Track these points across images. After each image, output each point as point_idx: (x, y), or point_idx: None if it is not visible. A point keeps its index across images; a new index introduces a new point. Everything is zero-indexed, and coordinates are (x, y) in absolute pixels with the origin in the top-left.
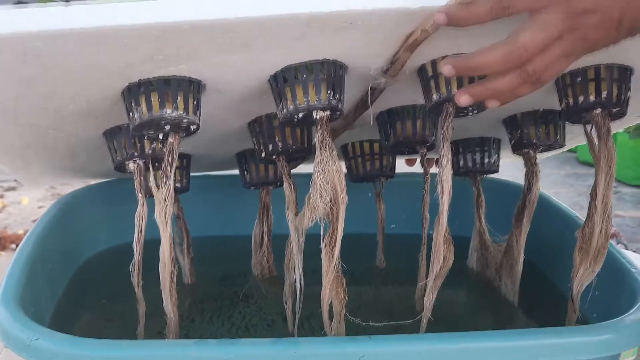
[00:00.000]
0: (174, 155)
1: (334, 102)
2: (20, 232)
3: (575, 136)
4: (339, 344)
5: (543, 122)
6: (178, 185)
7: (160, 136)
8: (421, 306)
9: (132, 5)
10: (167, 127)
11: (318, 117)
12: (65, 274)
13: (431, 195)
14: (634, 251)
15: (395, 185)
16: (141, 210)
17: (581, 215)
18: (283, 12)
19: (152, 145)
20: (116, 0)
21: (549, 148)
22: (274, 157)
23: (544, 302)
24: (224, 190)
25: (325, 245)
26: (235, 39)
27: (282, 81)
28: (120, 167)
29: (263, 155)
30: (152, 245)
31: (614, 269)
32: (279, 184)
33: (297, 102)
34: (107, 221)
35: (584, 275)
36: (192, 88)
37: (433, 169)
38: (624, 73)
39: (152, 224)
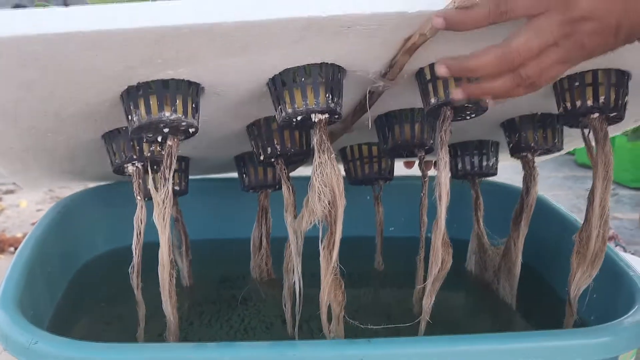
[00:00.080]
0: (173, 158)
1: (332, 105)
2: (19, 235)
3: (573, 139)
4: (337, 347)
5: (541, 126)
6: (177, 188)
7: (159, 139)
8: (419, 309)
9: (132, 8)
10: (166, 130)
11: (316, 120)
12: (64, 277)
13: (429, 199)
14: (632, 253)
15: (393, 188)
16: (140, 213)
17: (579, 218)
18: (282, 16)
19: (151, 148)
20: (115, 2)
21: (547, 152)
22: (272, 160)
23: (542, 304)
24: (223, 193)
25: (324, 248)
26: (235, 42)
27: (280, 84)
28: (119, 170)
29: (262, 158)
30: (151, 248)
31: (612, 271)
32: (277, 187)
33: (296, 106)
34: (106, 224)
35: (581, 279)
36: (190, 91)
37: (431, 172)
38: (621, 78)
39: (151, 227)
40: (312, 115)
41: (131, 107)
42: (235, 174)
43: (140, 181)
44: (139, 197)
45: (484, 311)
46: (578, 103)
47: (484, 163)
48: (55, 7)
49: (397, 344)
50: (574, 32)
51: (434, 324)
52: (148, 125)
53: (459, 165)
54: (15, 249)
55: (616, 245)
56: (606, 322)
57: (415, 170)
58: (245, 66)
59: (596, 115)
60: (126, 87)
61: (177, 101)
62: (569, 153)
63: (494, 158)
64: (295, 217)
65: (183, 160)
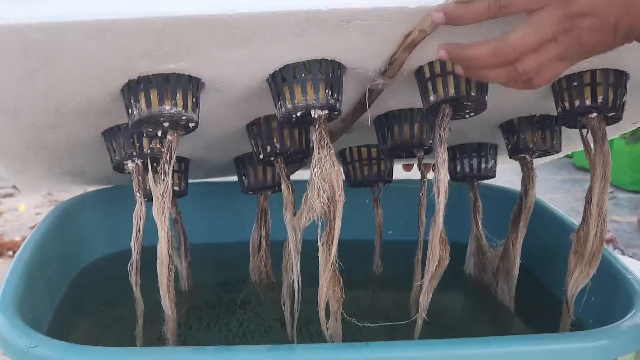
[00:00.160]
0: (172, 153)
1: (332, 101)
2: (18, 238)
3: (571, 142)
4: (335, 350)
5: (540, 128)
6: (176, 188)
7: (159, 133)
8: (416, 309)
9: None
10: (166, 124)
11: (316, 116)
12: (63, 280)
13: (428, 201)
14: (630, 256)
15: (392, 191)
16: (139, 210)
17: (577, 221)
18: (282, 9)
19: (151, 145)
20: None
21: (545, 153)
22: (272, 158)
23: (540, 307)
24: (222, 197)
25: (323, 244)
26: (235, 34)
27: (280, 80)
28: (119, 167)
29: (261, 156)
30: (151, 250)
31: (610, 274)
32: (277, 188)
33: (296, 101)
34: (105, 228)
35: (578, 279)
36: (191, 85)
37: (430, 175)
38: (619, 78)
39: (150, 230)
40: (312, 111)
41: (132, 101)
42: (234, 178)
43: (140, 178)
44: (138, 194)
45: (482, 314)
46: (576, 103)
47: (483, 165)
48: None
49: (395, 347)
50: (572, 28)
51: (432, 326)
52: (148, 119)
53: (458, 168)
54: (14, 252)
55: (614, 249)
56: (604, 325)
57: (414, 174)
58: (245, 61)
59: (594, 115)
60: (127, 80)
61: (178, 95)
62: (567, 156)
63: (493, 160)
64: (294, 215)
65: (183, 162)
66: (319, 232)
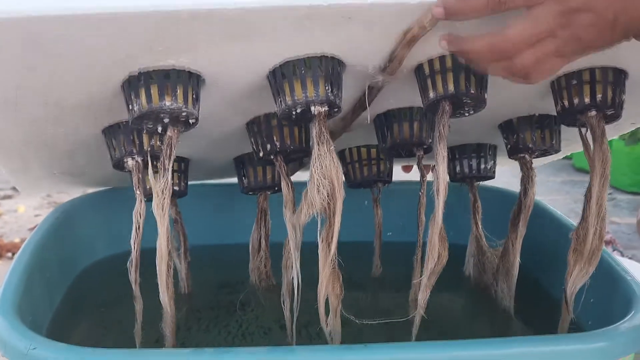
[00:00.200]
0: (173, 149)
1: (332, 97)
2: (17, 240)
3: (570, 143)
4: (335, 352)
5: (539, 127)
6: (176, 188)
7: (159, 129)
8: (415, 307)
9: None
10: (166, 120)
11: (316, 112)
12: (63, 282)
13: (428, 200)
14: (629, 258)
15: (391, 192)
16: (139, 207)
17: (577, 222)
18: (283, 3)
19: (151, 143)
20: None
21: (544, 153)
22: (271, 157)
23: (539, 309)
24: (221, 199)
25: (322, 240)
26: (235, 28)
27: (280, 76)
28: (119, 165)
29: (261, 154)
30: (150, 254)
31: (608, 276)
32: (276, 188)
33: (295, 97)
34: (105, 230)
35: (578, 277)
36: (191, 81)
37: (429, 177)
38: (618, 76)
39: (149, 233)
40: (312, 107)
41: (132, 96)
42: (233, 180)
43: (140, 175)
44: (138, 191)
45: (481, 315)
46: (576, 101)
47: (482, 166)
48: None
49: (393, 349)
50: (570, 24)
51: (431, 328)
52: (149, 114)
53: (457, 168)
54: (13, 254)
55: (614, 250)
56: (603, 327)
57: (413, 175)
58: (246, 57)
59: (593, 113)
60: (127, 76)
61: (178, 90)
62: (566, 157)
63: (492, 161)
64: (294, 212)
65: (183, 161)
66: (319, 228)
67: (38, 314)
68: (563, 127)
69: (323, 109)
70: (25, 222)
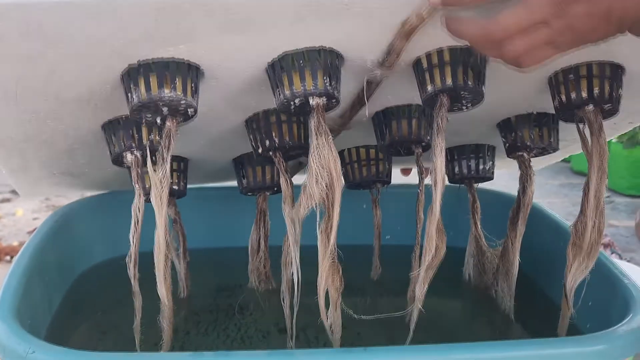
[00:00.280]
0: (172, 140)
1: (330, 89)
2: (15, 243)
3: (569, 144)
4: (334, 355)
5: (537, 125)
6: (175, 187)
7: (158, 120)
8: (413, 301)
9: None
10: (165, 110)
11: (314, 103)
12: (61, 286)
13: (427, 200)
14: (628, 261)
15: (390, 196)
16: (138, 202)
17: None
18: None
19: (150, 137)
20: None
21: (542, 151)
22: (270, 153)
23: (538, 312)
24: (220, 202)
25: (321, 232)
26: (234, 17)
27: (279, 69)
28: (118, 160)
29: (260, 151)
30: (149, 257)
31: (607, 279)
32: (275, 189)
33: (294, 88)
34: (104, 233)
35: (577, 271)
36: (190, 72)
37: (427, 180)
38: (615, 71)
39: (147, 236)
40: (310, 99)
41: (131, 87)
42: (232, 183)
43: (139, 170)
44: (137, 186)
45: (481, 319)
46: (573, 95)
47: (481, 167)
48: None
49: (393, 352)
50: (564, 13)
51: (430, 331)
52: (148, 104)
53: (456, 169)
54: (12, 257)
55: (612, 253)
56: (601, 330)
57: (412, 178)
58: (244, 48)
59: (591, 107)
60: (127, 66)
61: (177, 81)
62: (564, 160)
63: (491, 162)
64: (293, 208)
65: (182, 161)
66: (317, 218)
67: (37, 318)
68: (561, 128)
69: (321, 101)
70: (24, 225)
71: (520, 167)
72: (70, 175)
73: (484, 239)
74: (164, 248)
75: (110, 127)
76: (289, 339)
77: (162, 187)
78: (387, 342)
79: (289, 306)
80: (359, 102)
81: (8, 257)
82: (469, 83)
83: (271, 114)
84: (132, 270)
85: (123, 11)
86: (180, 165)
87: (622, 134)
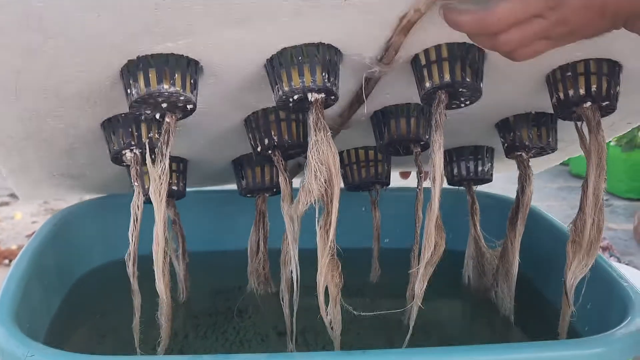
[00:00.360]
0: (171, 135)
1: (328, 84)
2: (14, 247)
3: (567, 145)
4: (333, 359)
5: (535, 125)
6: (174, 188)
7: (157, 116)
8: (412, 298)
9: None
10: (164, 105)
11: (313, 99)
12: (60, 289)
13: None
14: (626, 264)
15: (389, 199)
16: (137, 200)
17: None
18: None
19: (149, 135)
20: None
21: (541, 151)
22: (269, 152)
23: (537, 314)
24: (219, 205)
25: (321, 228)
26: (233, 11)
27: (278, 64)
28: (117, 158)
29: (259, 150)
30: (148, 260)
31: (605, 282)
32: (275, 190)
33: (293, 84)
34: (103, 237)
35: (577, 269)
36: (189, 68)
37: (426, 184)
38: (613, 68)
39: (146, 239)
40: (309, 95)
41: (130, 82)
42: (231, 186)
43: (138, 168)
44: (136, 184)
45: (480, 322)
46: (571, 93)
47: (480, 168)
48: None
49: (393, 355)
50: (559, 6)
51: (429, 334)
52: (147, 99)
53: (455, 171)
54: (10, 261)
55: (610, 256)
56: (600, 333)
57: (411, 182)
58: (243, 43)
59: (589, 104)
60: (126, 61)
61: (176, 75)
62: (563, 164)
63: (489, 164)
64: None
65: (181, 162)
66: (316, 215)
67: (36, 321)
68: (559, 128)
69: (320, 97)
70: (22, 229)
71: (519, 167)
72: (69, 177)
73: (483, 241)
74: (163, 244)
75: (110, 125)
76: (288, 340)
77: (161, 182)
78: (386, 345)
79: (288, 306)
80: (357, 101)
81: (7, 261)
82: (467, 79)
83: (270, 113)
84: (131, 269)
85: (123, 5)
86: (180, 166)
87: (621, 137)
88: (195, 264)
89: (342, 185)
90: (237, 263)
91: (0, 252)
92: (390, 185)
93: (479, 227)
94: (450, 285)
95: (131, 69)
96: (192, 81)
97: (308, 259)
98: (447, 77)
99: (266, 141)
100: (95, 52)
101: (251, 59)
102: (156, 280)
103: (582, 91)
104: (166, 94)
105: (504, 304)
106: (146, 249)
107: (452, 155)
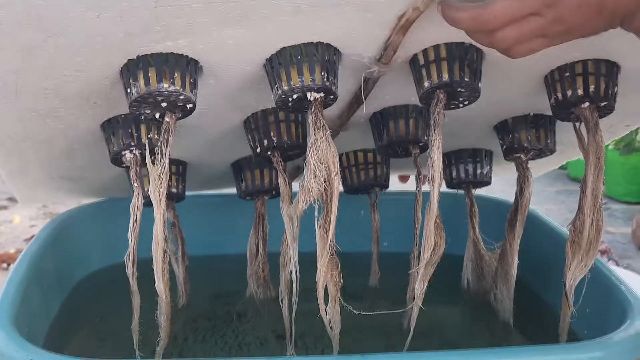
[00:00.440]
0: (170, 135)
1: (327, 83)
2: (12, 251)
3: (566, 149)
4: None
5: (534, 127)
6: (174, 190)
7: (157, 115)
8: (412, 299)
9: None
10: (164, 105)
11: (312, 98)
12: (60, 293)
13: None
14: (624, 267)
15: (388, 203)
16: (136, 201)
17: None
18: None
19: (149, 136)
20: None
21: (540, 152)
22: (268, 153)
23: (536, 317)
24: (218, 209)
25: (320, 227)
26: (232, 9)
27: (277, 64)
28: (117, 159)
29: (258, 151)
30: (147, 263)
31: (604, 286)
32: (274, 192)
33: (292, 83)
34: (102, 240)
35: (576, 269)
36: (189, 67)
37: (425, 187)
38: (611, 68)
39: (145, 242)
40: (308, 94)
41: (130, 81)
42: (230, 190)
43: (138, 169)
44: (135, 184)
45: (479, 326)
46: (569, 93)
47: (478, 171)
48: None
49: (391, 359)
50: (556, 4)
51: (428, 338)
52: (146, 98)
53: (454, 174)
54: (9, 264)
55: (609, 260)
56: (598, 337)
57: (410, 186)
58: (243, 43)
59: (587, 104)
60: (126, 60)
61: (176, 75)
62: (561, 167)
63: (488, 166)
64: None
65: (180, 164)
66: (315, 214)
67: (35, 325)
68: (558, 131)
69: (319, 96)
70: (21, 232)
71: (517, 169)
72: (69, 179)
73: (482, 243)
74: (163, 243)
75: (109, 126)
76: (287, 342)
77: (160, 182)
78: (386, 349)
79: (288, 307)
80: (356, 101)
81: (5, 265)
82: (466, 79)
83: (269, 114)
84: (130, 269)
85: (123, 3)
86: (179, 169)
87: (619, 141)
88: (194, 268)
89: (341, 188)
90: (237, 267)
91: None
92: (389, 189)
93: (477, 230)
94: (450, 289)
95: (131, 68)
96: (191, 80)
97: (307, 262)
98: (445, 77)
99: (265, 142)
100: (95, 52)
101: (250, 58)
102: (155, 280)
103: (580, 92)
104: (166, 92)
105: (503, 306)
106: (145, 252)
107: (451, 158)
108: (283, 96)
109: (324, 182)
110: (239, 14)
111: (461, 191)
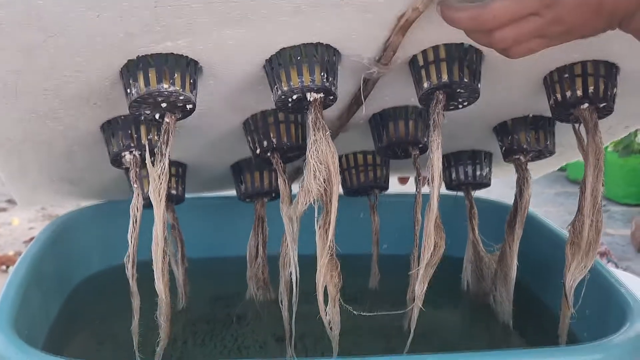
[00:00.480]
0: (170, 135)
1: (327, 84)
2: (11, 253)
3: (564, 150)
4: None
5: (533, 128)
6: (174, 192)
7: (157, 116)
8: (412, 300)
9: None
10: (164, 105)
11: (312, 99)
12: (59, 295)
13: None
14: (624, 269)
15: (387, 205)
16: (136, 202)
17: None
18: None
19: (149, 137)
20: None
21: (539, 154)
22: (268, 154)
23: (535, 321)
24: (218, 211)
25: (320, 227)
26: (232, 9)
27: (277, 64)
28: (117, 160)
29: (258, 152)
30: (146, 265)
31: (603, 288)
32: (274, 195)
33: (292, 83)
34: (101, 243)
35: (576, 270)
36: (189, 68)
37: (425, 189)
38: (610, 69)
39: (144, 244)
40: (308, 95)
41: (130, 81)
42: (229, 193)
43: (137, 170)
44: (135, 185)
45: (478, 328)
46: (568, 94)
47: (478, 173)
48: None
49: None
50: (555, 4)
51: (428, 340)
52: (146, 98)
53: (453, 175)
54: (8, 267)
55: (608, 262)
56: (598, 339)
57: (409, 188)
58: (243, 43)
59: (586, 105)
60: (126, 61)
61: (176, 75)
62: (560, 169)
63: (488, 168)
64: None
65: (180, 166)
66: (315, 214)
67: (34, 328)
68: (557, 133)
69: (319, 96)
70: (20, 234)
71: (517, 171)
72: (68, 182)
73: (481, 245)
74: (162, 244)
75: (109, 127)
76: (287, 345)
77: (160, 182)
78: (386, 351)
79: (287, 309)
80: (356, 103)
81: (4, 267)
82: (465, 80)
83: (269, 115)
84: (130, 271)
85: (123, 3)
86: (179, 171)
87: (618, 143)
88: (194, 270)
89: (340, 190)
90: (237, 269)
91: None
92: (388, 191)
93: (477, 232)
94: (450, 292)
95: (131, 69)
96: (191, 81)
97: (307, 265)
98: (445, 78)
99: (265, 143)
100: (95, 52)
101: (250, 59)
102: (155, 280)
103: (579, 93)
104: (166, 93)
105: (503, 308)
106: (145, 254)
107: (451, 160)
108: (283, 97)
109: (324, 182)
110: (239, 14)
111: (461, 193)
